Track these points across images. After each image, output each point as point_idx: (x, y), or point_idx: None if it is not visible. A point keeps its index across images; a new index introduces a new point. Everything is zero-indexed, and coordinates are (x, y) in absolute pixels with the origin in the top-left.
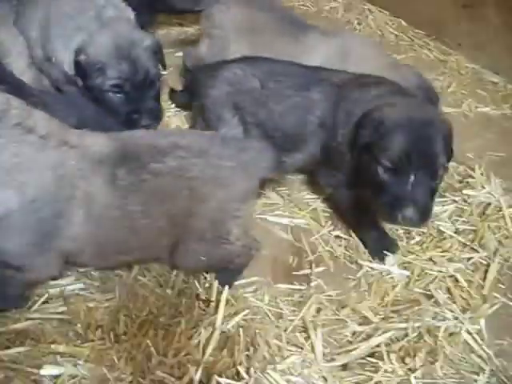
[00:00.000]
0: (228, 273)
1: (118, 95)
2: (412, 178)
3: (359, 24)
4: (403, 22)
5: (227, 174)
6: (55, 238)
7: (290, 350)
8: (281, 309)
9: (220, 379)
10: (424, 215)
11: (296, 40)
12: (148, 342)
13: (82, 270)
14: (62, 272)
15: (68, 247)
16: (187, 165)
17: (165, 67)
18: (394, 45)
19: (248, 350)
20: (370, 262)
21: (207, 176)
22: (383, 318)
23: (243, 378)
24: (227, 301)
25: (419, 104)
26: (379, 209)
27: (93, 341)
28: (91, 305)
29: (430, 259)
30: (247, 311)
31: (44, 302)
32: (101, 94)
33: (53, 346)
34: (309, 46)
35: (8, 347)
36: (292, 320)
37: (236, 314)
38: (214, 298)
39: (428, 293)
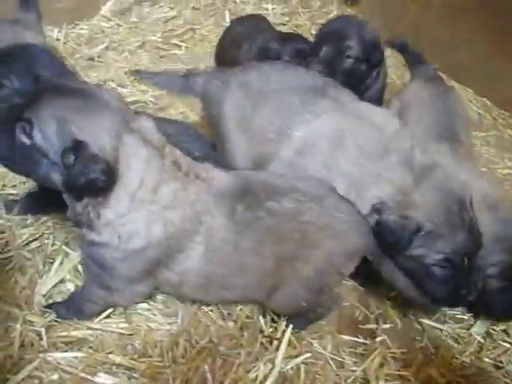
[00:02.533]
0: (303, 319)
1: (446, 271)
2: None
3: None
4: (487, 101)
5: (341, 226)
6: (165, 269)
7: None
8: (343, 358)
9: None
10: None
11: None
12: (206, 367)
13: None
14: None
15: (173, 280)
16: (303, 208)
17: None
18: (477, 123)
19: None
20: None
21: (321, 223)
22: (449, 382)
23: None
24: (290, 342)
25: None
26: None
27: (150, 357)
28: (152, 325)
29: (505, 331)
30: (309, 355)
31: (107, 317)
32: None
33: (110, 356)
34: None
35: (66, 351)
36: (354, 371)
37: (297, 356)
38: (278, 336)
39: (499, 364)
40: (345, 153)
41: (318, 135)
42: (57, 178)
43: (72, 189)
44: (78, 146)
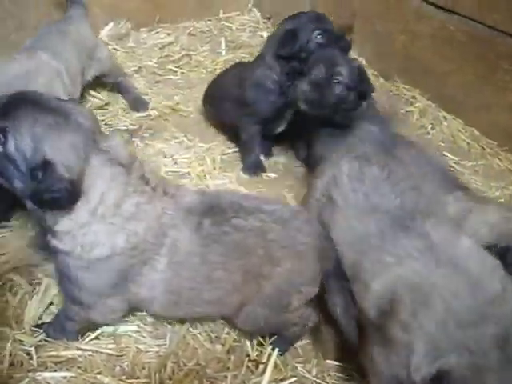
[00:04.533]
0: (282, 339)
1: None
2: None
3: (432, 129)
4: (476, 131)
5: (302, 248)
6: (133, 282)
7: None
8: (327, 382)
9: None
10: None
11: None
12: None
13: (138, 313)
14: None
15: (142, 294)
16: (267, 227)
17: None
18: (466, 152)
19: None
20: None
21: (283, 243)
22: None
23: None
24: (276, 365)
25: None
26: None
27: (138, 378)
28: (141, 347)
29: None
30: (294, 379)
31: (96, 338)
32: None
33: (99, 376)
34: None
35: (55, 371)
36: None
37: (283, 380)
38: (264, 360)
39: None
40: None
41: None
42: (19, 185)
43: (36, 201)
44: (46, 166)
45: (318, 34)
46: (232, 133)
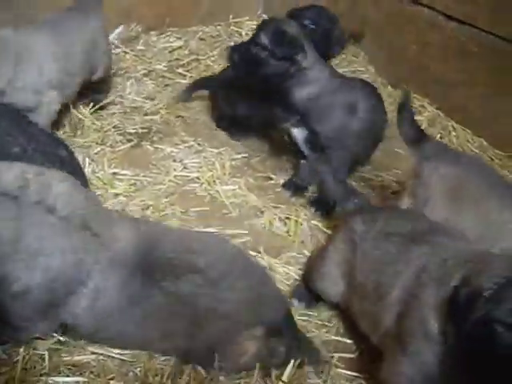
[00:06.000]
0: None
1: None
2: None
3: (441, 138)
4: (484, 142)
5: (229, 307)
6: (61, 310)
7: None
8: None
9: None
10: None
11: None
12: None
13: None
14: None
15: (69, 321)
16: (198, 292)
17: None
18: None
19: None
20: None
21: (212, 305)
22: None
23: None
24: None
25: None
26: None
27: None
28: (156, 354)
29: None
30: None
31: None
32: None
33: (111, 382)
34: None
35: (68, 375)
36: None
37: None
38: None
39: None
40: None
41: None
42: None
43: None
44: None
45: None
46: None
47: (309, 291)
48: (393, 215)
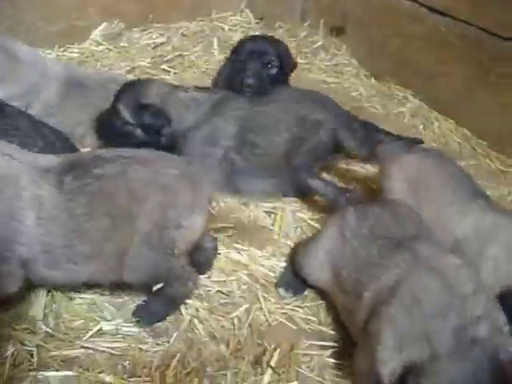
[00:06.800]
0: (157, 303)
1: None
2: None
3: (424, 129)
4: (467, 132)
5: (169, 179)
6: (12, 243)
7: None
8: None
9: None
10: None
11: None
12: None
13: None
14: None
15: (24, 254)
16: (128, 169)
17: None
18: (457, 152)
19: None
20: None
21: (147, 179)
22: None
23: None
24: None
25: None
26: None
27: (139, 377)
28: (143, 346)
29: None
30: (296, 383)
31: (98, 336)
32: None
33: (100, 375)
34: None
35: (57, 370)
36: None
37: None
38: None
39: None
40: None
41: None
42: None
43: None
44: None
45: None
46: None
47: (295, 279)
48: (384, 214)
